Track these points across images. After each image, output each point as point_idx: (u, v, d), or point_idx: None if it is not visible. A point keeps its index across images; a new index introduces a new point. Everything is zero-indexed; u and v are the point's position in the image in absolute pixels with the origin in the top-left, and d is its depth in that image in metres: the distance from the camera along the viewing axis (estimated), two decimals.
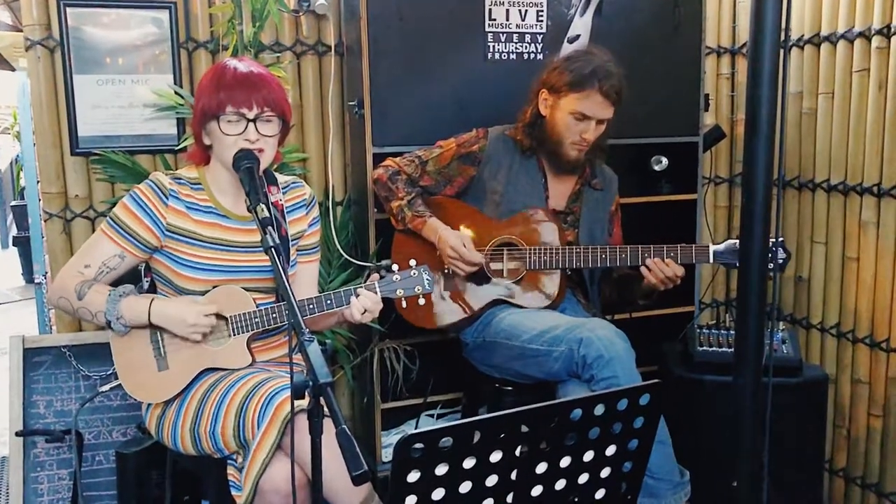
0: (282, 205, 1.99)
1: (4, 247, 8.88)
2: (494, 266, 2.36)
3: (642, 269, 2.25)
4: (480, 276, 2.36)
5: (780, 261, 2.14)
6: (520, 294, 2.36)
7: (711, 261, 2.26)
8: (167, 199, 1.88)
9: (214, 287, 1.88)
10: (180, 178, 1.93)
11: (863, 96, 2.62)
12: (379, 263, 2.57)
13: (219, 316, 1.88)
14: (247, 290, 1.89)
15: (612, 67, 2.24)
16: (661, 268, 2.23)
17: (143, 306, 1.84)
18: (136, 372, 1.91)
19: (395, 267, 1.94)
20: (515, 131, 2.40)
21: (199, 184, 1.94)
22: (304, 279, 2.08)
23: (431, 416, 2.86)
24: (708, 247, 2.26)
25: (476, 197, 2.42)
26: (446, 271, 2.37)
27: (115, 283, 1.91)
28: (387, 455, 2.73)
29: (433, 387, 2.74)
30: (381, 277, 1.93)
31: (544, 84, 2.32)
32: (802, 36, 2.83)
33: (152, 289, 2.00)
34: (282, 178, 2.04)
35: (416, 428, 2.79)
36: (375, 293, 1.90)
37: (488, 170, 2.39)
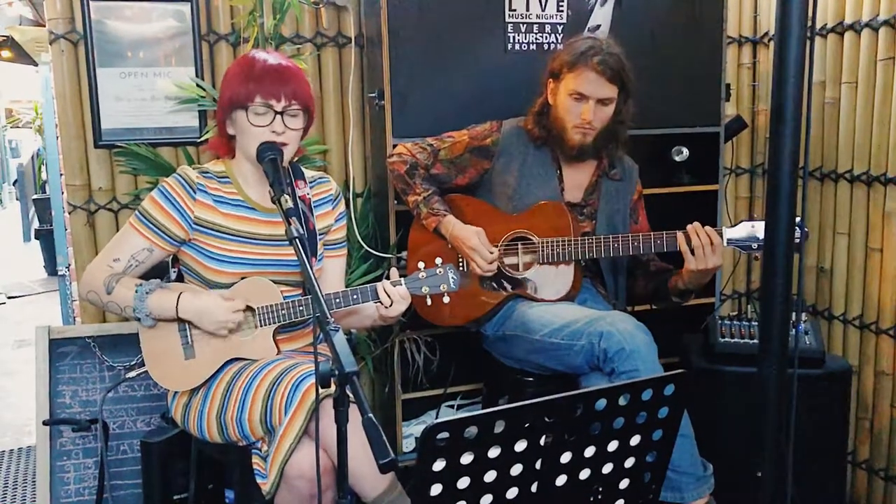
0: (309, 199, 2.00)
1: (27, 240, 8.98)
2: (508, 260, 2.36)
3: (681, 245, 2.19)
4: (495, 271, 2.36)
5: (798, 240, 2.11)
6: (535, 287, 2.36)
7: (725, 244, 2.21)
8: (195, 192, 1.90)
9: (242, 279, 1.90)
10: (207, 172, 1.95)
11: (887, 85, 2.59)
12: (399, 255, 2.59)
13: (246, 307, 1.89)
14: (274, 283, 1.91)
15: (610, 48, 2.22)
16: (698, 231, 2.18)
17: (171, 301, 1.86)
18: (163, 360, 1.93)
19: (421, 265, 1.96)
20: (527, 122, 2.39)
21: (227, 177, 1.95)
22: (332, 274, 2.09)
23: (452, 406, 2.87)
24: (721, 229, 2.24)
25: (490, 190, 2.41)
26: (461, 268, 2.37)
27: (145, 276, 1.93)
28: (407, 445, 2.75)
29: (453, 377, 2.74)
30: (398, 265, 1.94)
31: (550, 72, 2.32)
32: (826, 24, 2.80)
33: (179, 280, 2.02)
34: (309, 173, 2.06)
35: (436, 418, 2.80)
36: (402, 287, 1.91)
37: (502, 163, 2.39)
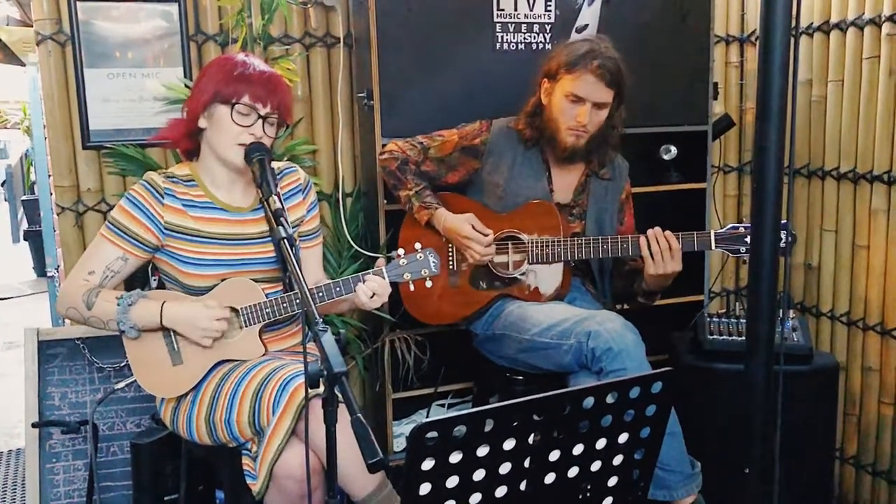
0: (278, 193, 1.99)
1: (15, 241, 8.92)
2: (498, 259, 2.36)
3: (643, 250, 2.21)
4: (484, 270, 2.37)
5: (785, 244, 2.13)
6: (525, 286, 2.36)
7: (713, 247, 2.24)
8: (163, 197, 1.89)
9: (223, 280, 1.90)
10: (173, 177, 1.94)
11: (873, 83, 2.61)
12: (389, 255, 2.59)
13: (229, 308, 1.89)
14: (254, 281, 1.91)
15: (609, 52, 2.22)
16: (657, 237, 2.20)
17: (154, 311, 1.84)
18: (150, 368, 1.92)
19: (400, 251, 1.96)
20: (518, 122, 2.39)
21: (193, 180, 1.94)
22: (310, 264, 2.10)
23: (442, 405, 2.87)
24: (710, 233, 2.25)
25: (480, 190, 2.42)
26: (451, 266, 2.37)
27: (126, 283, 1.92)
28: (398, 445, 2.75)
29: (444, 377, 2.75)
30: (388, 262, 1.95)
31: (545, 73, 2.31)
32: (812, 23, 2.82)
33: (161, 288, 2.01)
34: (274, 164, 2.04)
35: (427, 418, 2.81)
36: (383, 278, 1.91)
37: (491, 163, 2.39)
